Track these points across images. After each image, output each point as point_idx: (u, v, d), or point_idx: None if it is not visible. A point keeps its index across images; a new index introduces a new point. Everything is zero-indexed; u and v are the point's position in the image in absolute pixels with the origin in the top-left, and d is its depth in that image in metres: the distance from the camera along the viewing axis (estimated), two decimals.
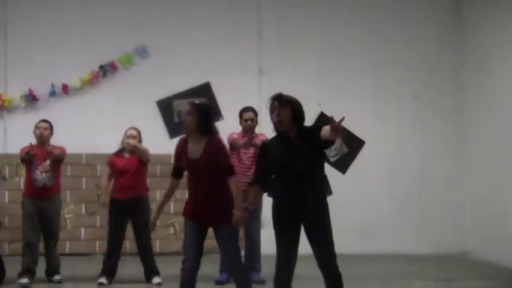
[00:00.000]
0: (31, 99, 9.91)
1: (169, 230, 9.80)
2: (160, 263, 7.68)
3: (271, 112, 5.26)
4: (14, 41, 9.90)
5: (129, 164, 7.51)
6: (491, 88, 9.62)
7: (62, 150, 7.58)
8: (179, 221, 9.77)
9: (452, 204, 10.24)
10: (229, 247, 5.56)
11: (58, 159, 7.50)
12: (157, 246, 9.08)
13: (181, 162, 5.64)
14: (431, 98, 10.42)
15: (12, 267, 7.71)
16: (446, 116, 10.42)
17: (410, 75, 10.44)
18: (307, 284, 6.47)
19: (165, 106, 10.11)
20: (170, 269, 7.80)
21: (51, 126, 7.65)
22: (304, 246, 5.19)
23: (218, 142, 5.61)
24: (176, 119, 10.12)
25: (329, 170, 9.98)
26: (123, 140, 7.66)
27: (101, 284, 7.34)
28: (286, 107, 5.24)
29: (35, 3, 10.03)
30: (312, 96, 10.19)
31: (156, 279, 7.49)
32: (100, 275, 7.42)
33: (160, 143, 9.04)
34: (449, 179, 10.33)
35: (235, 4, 10.31)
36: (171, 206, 9.36)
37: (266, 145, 5.38)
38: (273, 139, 5.35)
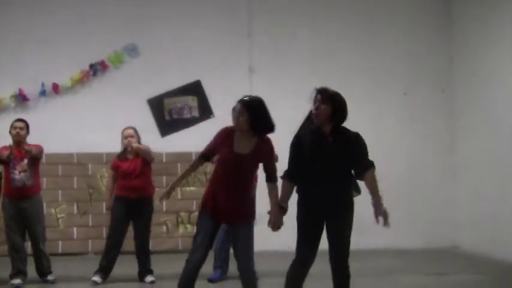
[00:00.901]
0: (21, 99, 9.88)
1: (161, 228, 9.79)
2: (152, 262, 7.67)
3: (313, 104, 5.29)
4: (4, 40, 9.86)
5: (134, 165, 7.45)
6: (481, 83, 9.67)
7: (39, 148, 7.48)
8: (172, 219, 9.81)
9: (444, 199, 10.30)
10: (243, 246, 5.47)
11: (36, 158, 7.39)
12: (149, 245, 9.06)
13: (216, 151, 5.48)
14: (421, 94, 10.48)
15: (2, 268, 7.69)
16: (437, 111, 10.48)
17: (401, 71, 10.49)
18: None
19: (156, 104, 10.11)
20: (162, 267, 7.85)
21: (27, 126, 7.54)
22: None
23: (270, 145, 5.53)
24: (167, 117, 10.12)
25: None
26: (122, 141, 7.61)
27: (94, 282, 7.34)
28: (327, 103, 5.26)
29: (25, 3, 10.00)
30: (303, 94, 10.19)
31: (149, 278, 7.49)
32: (95, 272, 7.41)
33: (152, 141, 9.01)
34: (441, 173, 10.38)
35: (226, 2, 10.32)
36: (164, 205, 9.36)
37: (298, 138, 5.33)
38: (306, 132, 5.31)
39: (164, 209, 9.54)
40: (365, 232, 10.04)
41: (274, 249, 8.69)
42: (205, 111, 10.04)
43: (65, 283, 7.52)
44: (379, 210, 5.09)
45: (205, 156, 5.55)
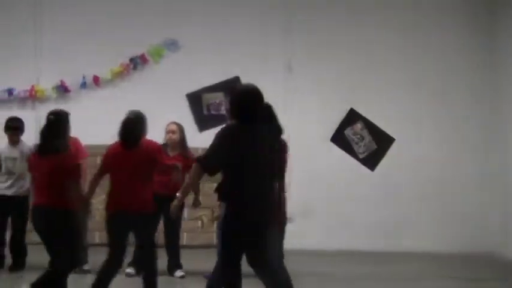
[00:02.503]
0: (62, 90, 10.02)
1: (197, 223, 9.85)
2: (185, 256, 7.70)
3: None
4: (47, 32, 9.99)
5: (173, 162, 7.46)
6: None
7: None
8: (207, 214, 9.85)
9: (479, 203, 10.12)
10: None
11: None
12: (184, 239, 9.11)
13: None
14: (460, 96, 10.31)
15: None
16: (474, 114, 10.29)
17: (441, 72, 10.33)
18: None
19: (195, 99, 10.15)
20: (194, 263, 7.85)
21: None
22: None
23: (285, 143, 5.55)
24: (205, 112, 10.16)
25: (357, 167, 10.16)
26: (165, 136, 7.62)
27: (128, 274, 7.41)
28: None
29: None
30: (341, 91, 10.19)
31: (178, 273, 7.52)
32: (128, 265, 7.48)
33: (189, 137, 9.08)
34: (476, 177, 10.20)
35: None
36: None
37: None
38: None
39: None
40: (398, 235, 10.02)
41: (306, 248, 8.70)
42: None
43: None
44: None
45: None
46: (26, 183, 7.75)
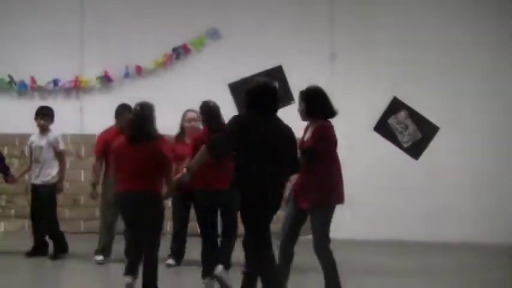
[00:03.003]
0: (106, 80, 10.12)
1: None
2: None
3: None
4: (90, 23, 10.09)
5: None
6: None
7: None
8: None
9: None
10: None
11: None
12: None
13: None
14: (506, 83, 10.08)
15: (87, 245, 7.93)
16: None
17: (489, 59, 10.09)
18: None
19: (237, 89, 10.14)
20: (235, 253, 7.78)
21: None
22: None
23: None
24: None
25: (401, 155, 10.05)
26: (183, 123, 7.61)
27: (168, 265, 7.44)
28: None
29: None
30: (385, 80, 10.08)
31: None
32: (169, 256, 7.51)
33: None
34: None
35: None
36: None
37: None
38: None
39: None
40: (441, 224, 9.87)
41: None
42: (286, 97, 9.98)
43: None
44: None
45: None
46: (53, 171, 7.86)
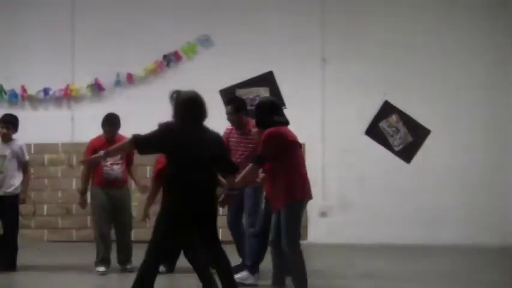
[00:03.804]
0: (97, 88, 10.10)
1: None
2: None
3: None
4: (81, 32, 10.07)
5: None
6: None
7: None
8: None
9: None
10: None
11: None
12: None
13: None
14: (500, 88, 10.13)
15: (80, 254, 7.87)
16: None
17: (478, 64, 10.16)
18: None
19: (229, 95, 10.13)
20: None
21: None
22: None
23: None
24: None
25: (393, 160, 10.09)
26: None
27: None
28: None
29: None
30: (376, 85, 10.10)
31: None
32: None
33: (223, 132, 9.07)
34: None
35: None
36: None
37: None
38: None
39: None
40: (438, 227, 9.90)
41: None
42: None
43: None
44: None
45: None
46: (17, 182, 7.58)
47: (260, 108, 6.15)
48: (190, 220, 5.44)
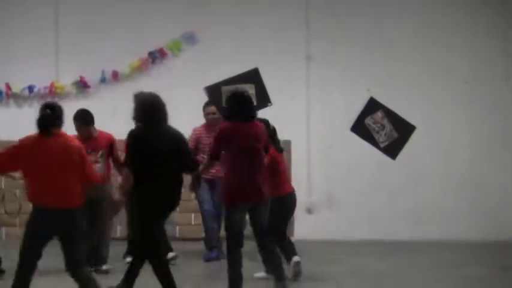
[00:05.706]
0: (82, 86, 10.05)
1: None
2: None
3: None
4: (65, 29, 10.02)
5: None
6: None
7: (112, 140, 7.66)
8: None
9: (505, 190, 10.02)
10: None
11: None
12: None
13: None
14: (483, 82, 10.19)
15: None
16: (500, 101, 10.17)
17: (461, 59, 10.20)
18: None
19: (214, 92, 10.11)
20: None
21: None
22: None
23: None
24: (225, 105, 10.12)
25: (379, 156, 10.13)
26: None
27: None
28: None
29: None
30: (360, 81, 10.13)
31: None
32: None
33: None
34: (502, 164, 10.10)
35: None
36: None
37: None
38: None
39: None
40: (423, 223, 9.95)
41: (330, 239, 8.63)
42: (263, 99, 9.98)
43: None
44: None
45: None
46: None
47: (226, 100, 6.22)
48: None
